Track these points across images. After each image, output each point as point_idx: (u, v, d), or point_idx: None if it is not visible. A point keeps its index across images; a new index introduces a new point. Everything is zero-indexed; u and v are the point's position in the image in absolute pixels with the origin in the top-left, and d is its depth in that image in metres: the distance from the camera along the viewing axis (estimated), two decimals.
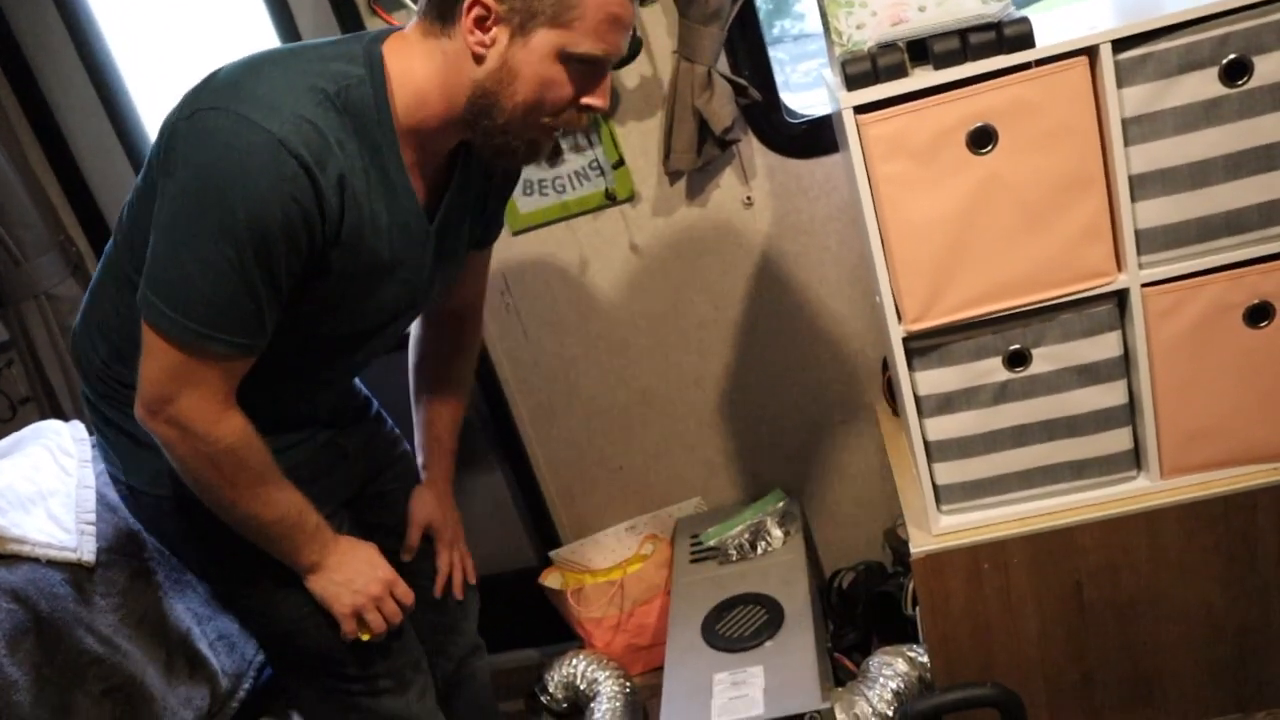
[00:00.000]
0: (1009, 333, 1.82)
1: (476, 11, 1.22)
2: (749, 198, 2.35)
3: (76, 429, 2.10)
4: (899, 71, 1.71)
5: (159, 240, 1.24)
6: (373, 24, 2.26)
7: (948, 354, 1.84)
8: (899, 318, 1.81)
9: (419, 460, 1.84)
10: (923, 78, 1.70)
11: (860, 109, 1.70)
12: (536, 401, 2.60)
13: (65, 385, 2.67)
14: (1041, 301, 1.77)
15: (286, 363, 1.42)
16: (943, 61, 1.69)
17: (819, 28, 3.77)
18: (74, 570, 1.73)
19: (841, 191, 2.33)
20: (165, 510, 1.54)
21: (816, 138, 2.29)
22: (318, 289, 1.33)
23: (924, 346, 1.84)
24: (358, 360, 1.61)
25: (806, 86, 2.27)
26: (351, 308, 1.40)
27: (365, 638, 1.57)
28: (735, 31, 2.15)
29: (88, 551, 1.76)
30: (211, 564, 1.65)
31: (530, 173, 2.34)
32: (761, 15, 2.27)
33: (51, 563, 1.70)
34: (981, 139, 1.69)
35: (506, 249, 2.44)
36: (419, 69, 1.28)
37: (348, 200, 1.25)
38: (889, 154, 1.70)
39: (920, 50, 1.77)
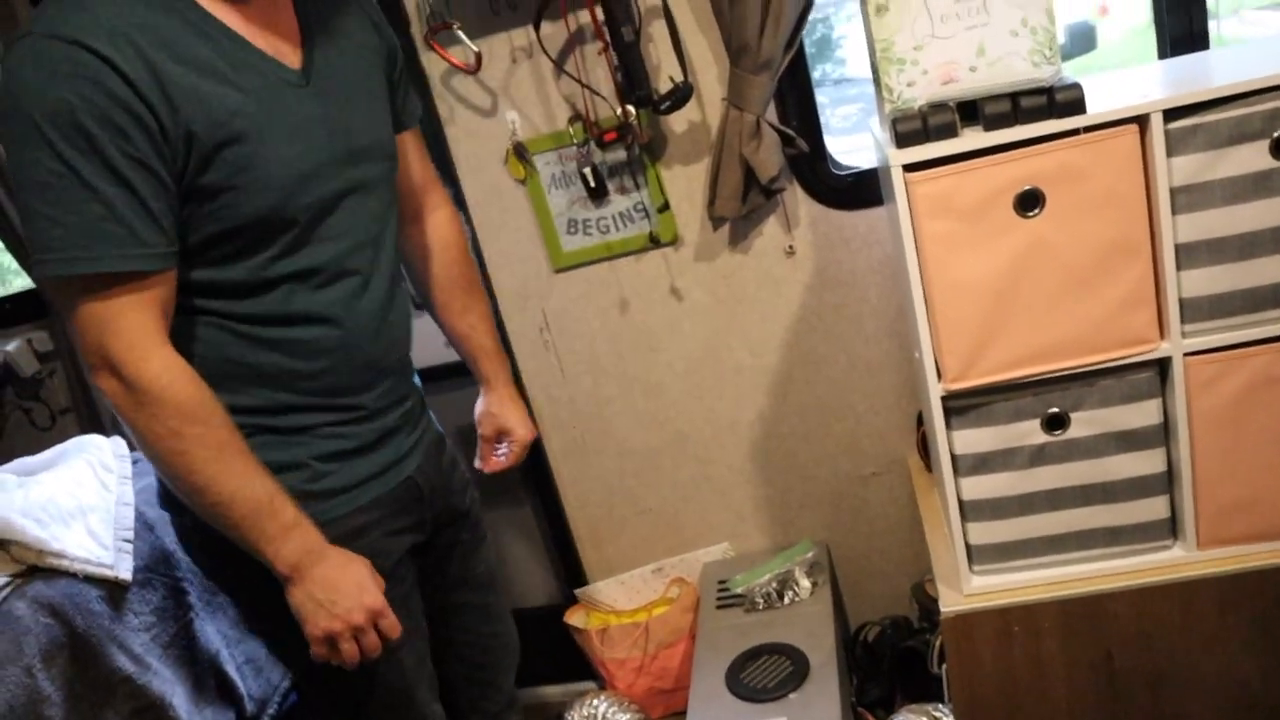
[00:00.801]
0: (1048, 396, 1.81)
1: None
2: (791, 246, 2.36)
3: (118, 445, 2.14)
4: (949, 131, 1.72)
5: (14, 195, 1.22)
6: (428, 58, 2.31)
7: (986, 414, 1.83)
8: (939, 376, 1.81)
9: (477, 373, 1.83)
10: (972, 138, 1.71)
11: (909, 167, 1.71)
12: (569, 439, 2.61)
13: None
14: (1083, 366, 1.76)
15: (275, 287, 1.35)
16: (993, 123, 1.70)
17: (860, 73, 3.79)
18: (110, 587, 1.76)
19: (884, 245, 2.34)
20: (200, 524, 1.53)
21: (861, 190, 2.30)
22: (207, 163, 1.24)
23: (962, 406, 1.83)
24: (345, 259, 1.43)
25: (846, 131, 2.28)
26: (260, 169, 1.28)
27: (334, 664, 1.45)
28: (785, 81, 2.18)
29: (124, 569, 1.78)
30: (242, 585, 1.60)
31: (576, 211, 2.37)
32: None
33: (88, 579, 1.73)
34: (1029, 202, 1.70)
35: (548, 287, 2.47)
36: None
37: (161, 66, 1.18)
38: (936, 212, 1.71)
39: (971, 110, 1.78)
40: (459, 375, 2.04)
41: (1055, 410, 1.81)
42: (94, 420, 2.83)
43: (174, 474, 1.29)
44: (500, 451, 1.86)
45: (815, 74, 2.77)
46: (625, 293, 2.45)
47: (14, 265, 3.37)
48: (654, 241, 2.36)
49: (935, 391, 1.82)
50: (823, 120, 2.31)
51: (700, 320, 2.46)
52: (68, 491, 1.91)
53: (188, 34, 1.22)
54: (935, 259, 1.73)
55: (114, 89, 1.14)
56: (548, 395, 2.59)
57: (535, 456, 2.63)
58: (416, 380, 1.69)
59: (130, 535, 1.86)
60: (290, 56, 1.34)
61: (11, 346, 2.86)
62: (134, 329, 1.22)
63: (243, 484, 1.30)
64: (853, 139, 2.31)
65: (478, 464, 1.87)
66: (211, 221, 1.27)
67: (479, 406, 1.85)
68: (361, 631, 1.39)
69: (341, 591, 1.36)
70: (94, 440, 2.12)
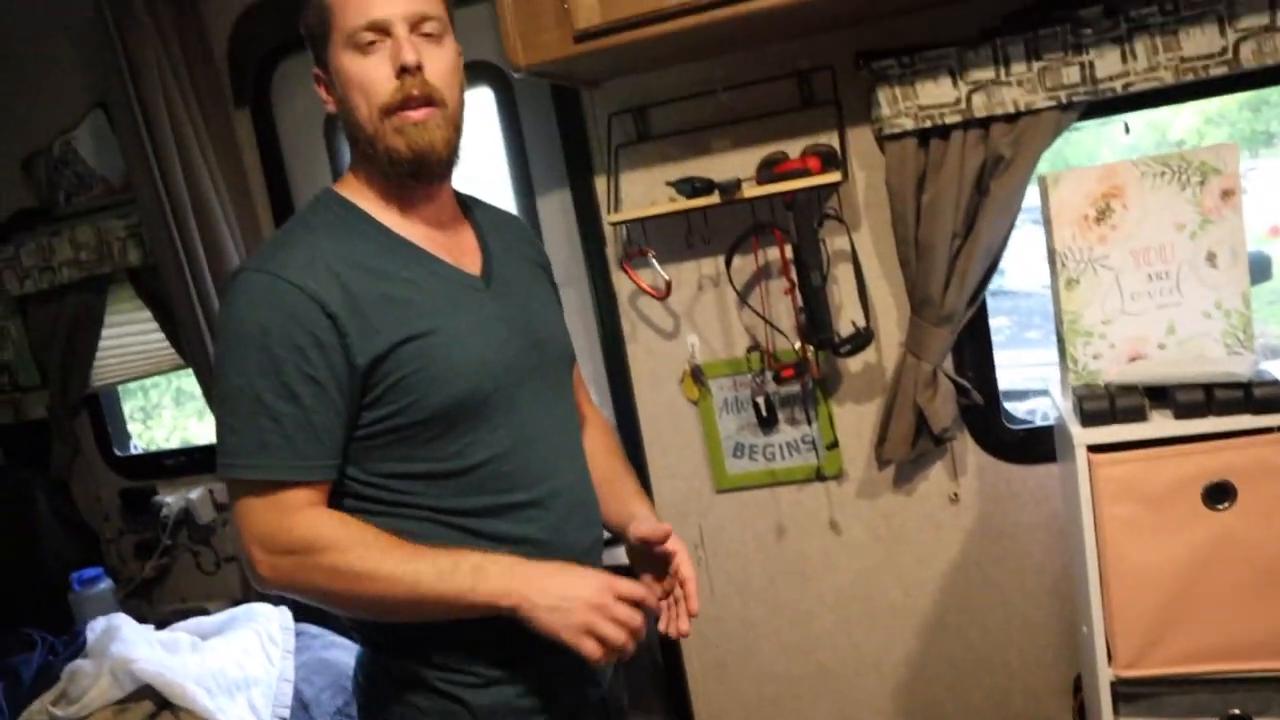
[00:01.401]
0: (1230, 695, 1.72)
1: (321, 84, 1.39)
2: (956, 494, 2.34)
3: (285, 616, 2.22)
4: (1138, 415, 1.72)
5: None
6: (618, 278, 2.44)
7: (1159, 705, 1.75)
8: (1109, 659, 1.74)
9: (624, 520, 1.60)
10: (1162, 424, 1.70)
11: (1094, 447, 1.70)
12: (711, 658, 2.59)
13: None
14: (1270, 671, 1.67)
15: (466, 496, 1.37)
16: (1185, 412, 1.69)
17: (1019, 285, 3.79)
18: None
19: (1052, 501, 2.29)
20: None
21: (1033, 445, 2.29)
22: (396, 362, 1.31)
23: (1133, 693, 1.76)
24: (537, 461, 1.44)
25: (999, 345, 2.28)
26: (445, 362, 1.33)
27: (613, 660, 1.34)
28: (964, 332, 2.21)
29: None
30: None
31: (744, 436, 2.43)
32: None
33: None
34: (1218, 494, 1.66)
35: (708, 505, 2.51)
36: (350, 173, 1.43)
37: (352, 280, 1.30)
38: (1119, 496, 1.69)
39: (1159, 392, 1.78)
40: None
41: (1237, 712, 1.72)
42: None
43: (363, 603, 1.28)
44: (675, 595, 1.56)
45: None
46: (784, 519, 2.46)
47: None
48: (819, 476, 2.38)
49: (1105, 675, 1.75)
50: None
51: (856, 555, 2.44)
52: (236, 661, 2.00)
53: (378, 251, 1.36)
54: (1115, 542, 1.70)
55: (303, 314, 1.27)
56: None
57: (675, 671, 2.61)
58: None
59: (286, 714, 1.92)
60: (471, 266, 1.46)
61: (195, 494, 3.05)
62: (288, 518, 1.28)
63: (417, 561, 1.27)
64: (1004, 353, 2.31)
65: (662, 625, 1.53)
66: (404, 414, 1.33)
67: (633, 531, 1.57)
68: (605, 609, 1.30)
69: (568, 586, 1.30)
70: (263, 610, 2.21)
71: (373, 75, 1.31)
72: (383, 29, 1.31)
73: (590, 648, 1.28)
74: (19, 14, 2.75)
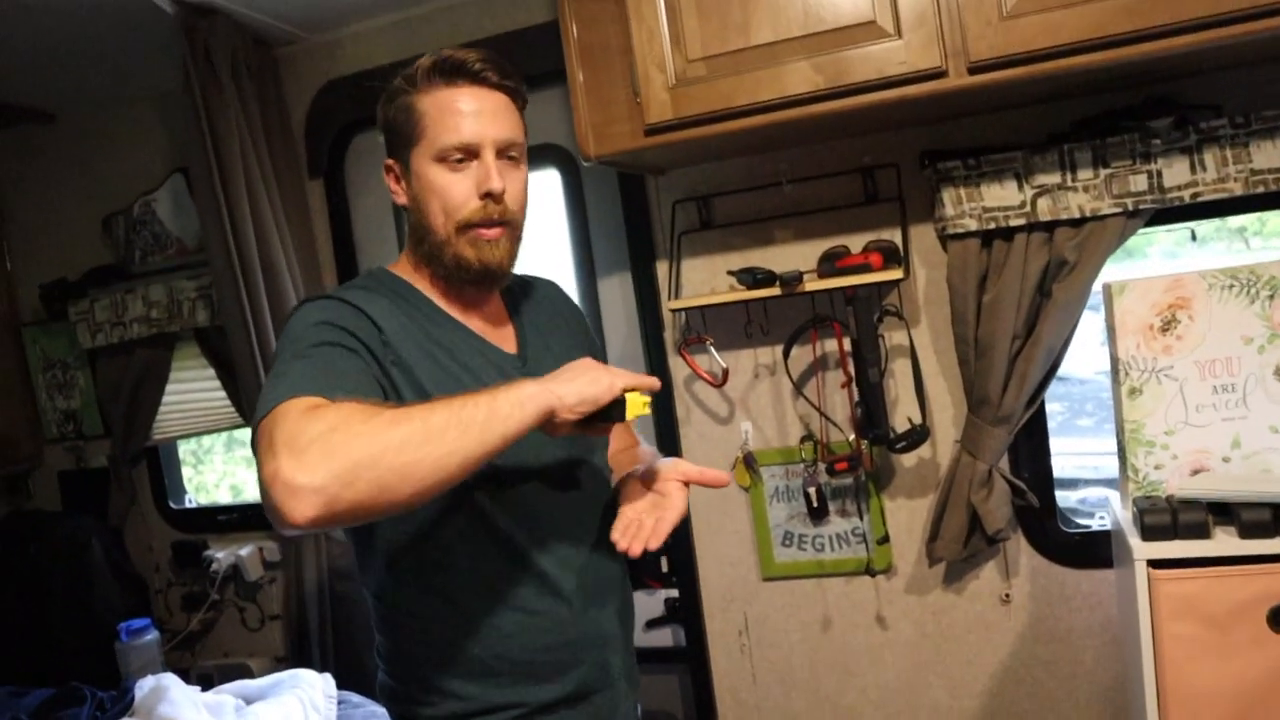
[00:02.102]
0: None
1: (390, 175, 1.44)
2: (1007, 595, 2.31)
3: (328, 684, 2.24)
4: (1201, 532, 1.69)
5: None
6: (675, 363, 2.46)
7: None
8: None
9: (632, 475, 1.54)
10: (1226, 543, 1.67)
11: (1155, 563, 1.67)
12: None
13: (318, 616, 2.82)
14: None
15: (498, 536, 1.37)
16: (1250, 532, 1.66)
17: (1074, 371, 3.73)
18: None
19: (1106, 608, 2.25)
20: None
21: (1089, 549, 2.25)
22: (432, 385, 1.32)
23: None
24: (557, 522, 1.44)
25: (1051, 432, 2.25)
26: None
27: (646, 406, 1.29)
28: (1021, 433, 2.19)
29: None
30: None
31: (794, 526, 2.42)
32: None
33: None
34: None
35: (754, 593, 2.49)
36: (404, 257, 1.48)
37: (402, 333, 1.35)
38: (1180, 614, 1.65)
39: (1222, 508, 1.75)
40: None
41: None
42: (301, 632, 2.96)
43: (401, 452, 1.09)
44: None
45: None
46: (830, 611, 2.44)
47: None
48: (868, 569, 2.36)
49: None
50: None
51: (903, 652, 2.41)
52: None
53: (425, 320, 1.42)
54: (1174, 662, 1.66)
55: (362, 326, 1.32)
56: (736, 698, 2.55)
57: None
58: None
59: None
60: (507, 344, 1.51)
61: (244, 551, 3.09)
62: (307, 417, 1.12)
63: (438, 402, 1.17)
64: (1055, 440, 2.27)
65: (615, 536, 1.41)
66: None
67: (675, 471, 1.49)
68: (615, 375, 1.28)
69: (576, 368, 1.29)
70: (307, 676, 2.23)
71: (455, 191, 1.38)
72: (473, 151, 1.37)
73: (631, 378, 1.27)
74: (109, 79, 2.86)
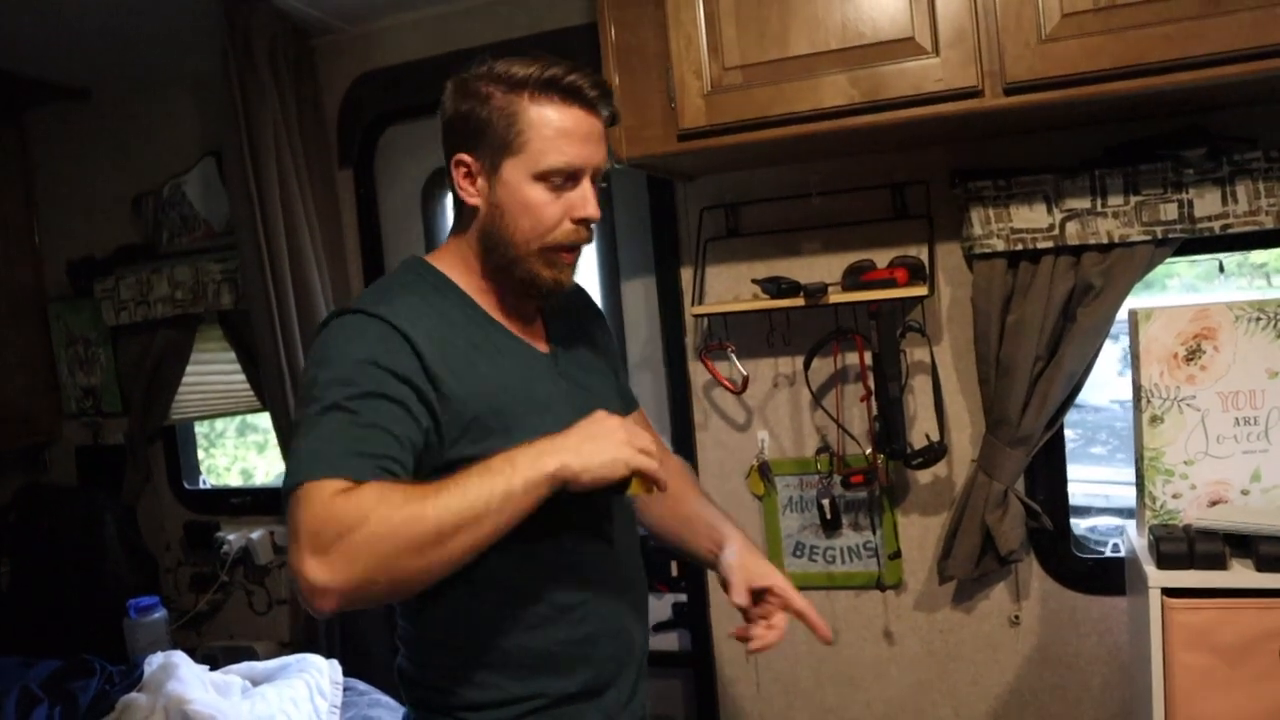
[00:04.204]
0: None
1: (461, 169, 1.38)
2: (1017, 616, 2.31)
3: (335, 670, 2.25)
4: (1217, 562, 1.69)
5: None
6: (695, 368, 2.47)
7: None
8: None
9: (710, 542, 1.58)
10: (1242, 575, 1.67)
11: (1169, 591, 1.67)
12: None
13: None
14: None
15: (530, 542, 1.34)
16: (1268, 565, 1.66)
17: (1091, 399, 3.72)
18: None
19: (1116, 635, 2.24)
20: None
21: (1101, 576, 2.24)
22: (469, 426, 1.32)
23: None
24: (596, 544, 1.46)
25: (1071, 459, 2.26)
26: (516, 434, 1.30)
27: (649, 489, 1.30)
28: (1039, 455, 2.19)
29: None
30: None
31: (806, 537, 2.42)
32: None
33: None
34: None
35: None
36: (448, 249, 1.46)
37: (440, 334, 1.34)
38: (1192, 644, 1.65)
39: (1240, 540, 1.74)
40: None
41: None
42: (309, 620, 2.97)
43: (420, 547, 1.15)
44: (772, 621, 1.52)
45: None
46: (838, 624, 2.44)
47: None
48: (878, 584, 2.36)
49: None
50: None
51: (908, 668, 2.40)
52: (284, 711, 2.02)
53: (464, 320, 1.42)
54: (1184, 691, 1.66)
55: (403, 354, 1.30)
56: (739, 706, 2.55)
57: None
58: None
59: None
60: (540, 345, 1.51)
61: (256, 535, 3.11)
62: (328, 510, 1.15)
63: (454, 486, 1.19)
64: (1071, 469, 2.28)
65: (751, 645, 1.48)
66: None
67: (726, 564, 1.53)
68: (631, 430, 1.29)
69: (589, 427, 1.28)
70: (315, 661, 2.24)
71: (549, 212, 1.36)
72: (575, 177, 1.36)
73: (641, 460, 1.25)
74: (147, 60, 2.89)
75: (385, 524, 1.13)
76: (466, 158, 1.38)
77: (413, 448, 1.27)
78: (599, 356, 1.63)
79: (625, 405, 1.68)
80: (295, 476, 1.17)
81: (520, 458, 1.21)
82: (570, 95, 1.35)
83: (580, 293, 1.69)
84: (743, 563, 1.50)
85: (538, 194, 1.36)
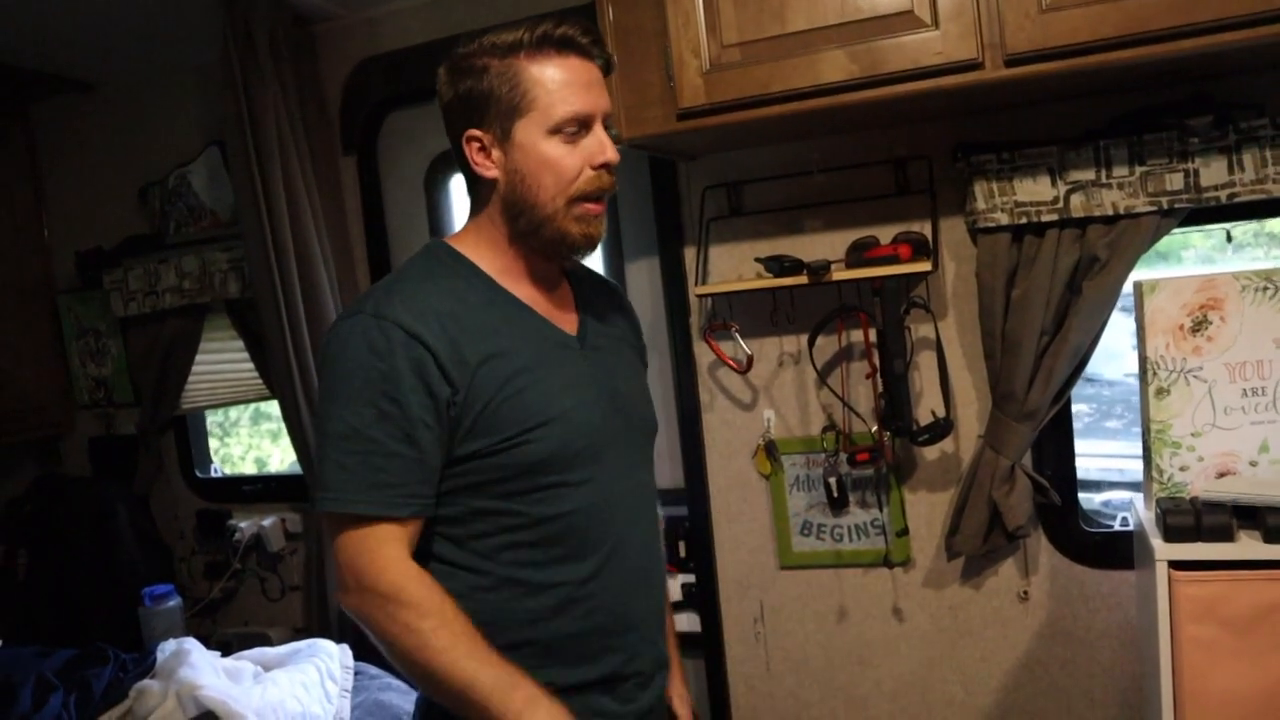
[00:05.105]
0: None
1: (473, 145, 1.38)
2: (1025, 592, 2.30)
3: (346, 655, 2.26)
4: (1224, 534, 1.68)
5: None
6: (700, 349, 2.47)
7: None
8: None
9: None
10: (1249, 547, 1.66)
11: (1176, 564, 1.66)
12: None
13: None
14: None
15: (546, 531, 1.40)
16: (1275, 537, 1.65)
17: (1101, 371, 3.71)
18: None
19: (1125, 609, 2.24)
20: None
21: (1110, 550, 2.24)
22: (494, 412, 1.35)
23: None
24: (614, 523, 1.47)
25: (1078, 433, 2.23)
26: (539, 407, 1.37)
27: None
28: (1046, 430, 2.18)
29: None
30: None
31: (813, 515, 2.42)
32: None
33: None
34: None
35: (770, 581, 2.49)
36: (469, 230, 1.47)
37: (457, 329, 1.34)
38: (1199, 616, 1.65)
39: (1247, 511, 1.73)
40: None
41: None
42: (320, 603, 2.99)
43: (418, 669, 1.32)
44: None
45: None
46: (846, 602, 2.44)
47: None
48: (886, 561, 2.36)
49: None
50: None
51: (918, 645, 2.40)
52: (295, 696, 2.03)
53: (484, 304, 1.41)
54: (1192, 664, 1.65)
55: (418, 360, 1.31)
56: (748, 685, 2.56)
57: None
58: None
59: None
60: (569, 326, 1.50)
61: (267, 522, 3.12)
62: (382, 556, 1.32)
63: (480, 666, 1.30)
64: (1082, 442, 2.26)
65: None
66: (498, 456, 1.36)
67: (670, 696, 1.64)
68: None
69: None
70: (326, 646, 2.25)
71: (569, 163, 1.36)
72: (587, 123, 1.37)
73: None
74: (147, 52, 2.89)
75: (410, 623, 1.29)
76: (477, 132, 1.38)
77: (435, 459, 1.34)
78: (630, 351, 1.63)
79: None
80: (325, 503, 1.32)
81: (539, 713, 1.29)
82: (565, 46, 1.36)
83: (623, 298, 1.70)
84: (680, 704, 1.64)
85: (554, 148, 1.36)
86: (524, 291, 1.45)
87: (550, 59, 1.35)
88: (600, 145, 1.37)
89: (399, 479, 1.32)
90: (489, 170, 1.39)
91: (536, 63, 1.35)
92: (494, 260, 1.44)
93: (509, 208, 1.40)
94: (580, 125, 1.36)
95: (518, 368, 1.38)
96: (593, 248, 1.43)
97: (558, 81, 1.35)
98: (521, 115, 1.36)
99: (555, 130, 1.35)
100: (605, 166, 1.38)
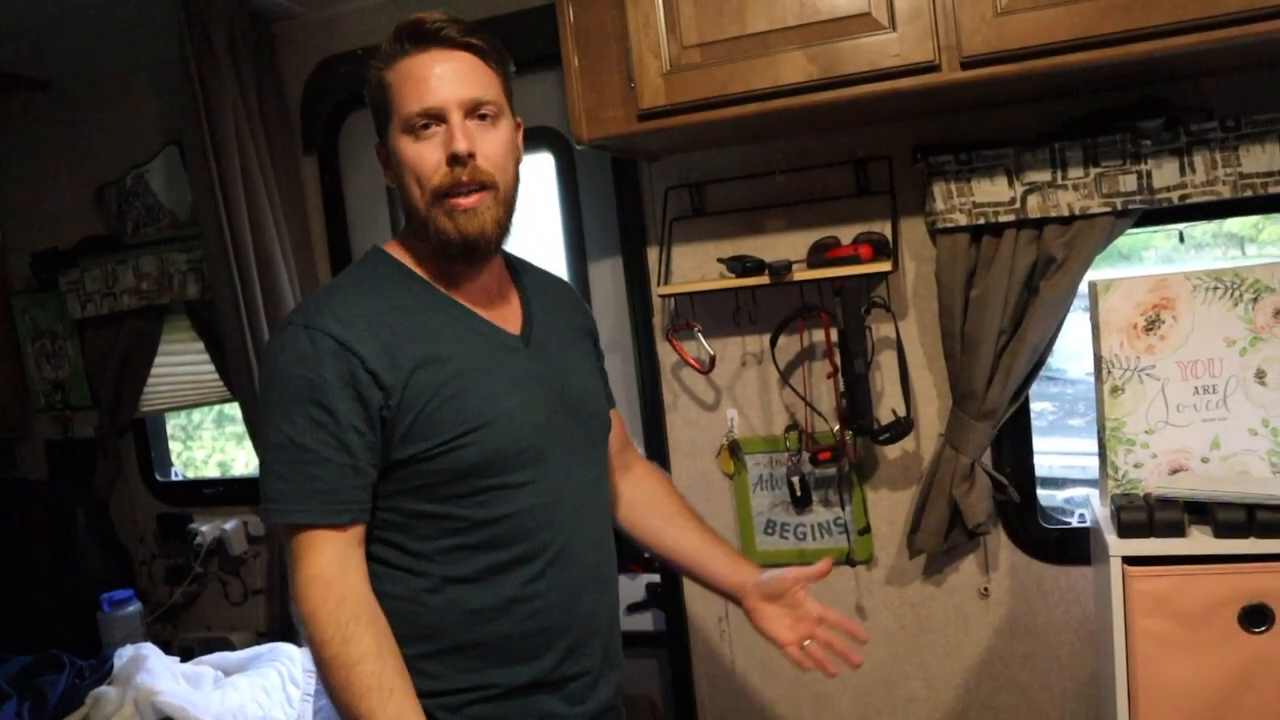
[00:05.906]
0: None
1: (380, 156, 1.42)
2: (986, 588, 2.33)
3: (308, 659, 2.24)
4: (1176, 530, 1.70)
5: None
6: (663, 349, 2.47)
7: None
8: None
9: (716, 570, 1.71)
10: (1201, 542, 1.69)
11: (1130, 559, 1.69)
12: None
13: None
14: None
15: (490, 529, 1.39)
16: (1225, 532, 1.68)
17: (1064, 367, 3.76)
18: None
19: (1083, 603, 2.27)
20: None
21: (1068, 546, 2.26)
22: (433, 414, 1.34)
23: None
24: (562, 513, 1.46)
25: (1041, 431, 2.25)
26: (478, 410, 1.37)
27: None
28: (1005, 428, 2.20)
29: None
30: None
31: (777, 514, 2.43)
32: None
33: None
34: (1255, 618, 1.64)
35: None
36: (403, 235, 1.46)
37: (392, 337, 1.34)
38: (1152, 611, 1.67)
39: (1200, 508, 1.76)
40: None
41: None
42: (282, 607, 2.97)
43: (332, 682, 1.29)
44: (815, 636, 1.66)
45: None
46: None
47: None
48: (849, 559, 2.37)
49: None
50: None
51: (880, 642, 2.42)
52: (256, 701, 2.02)
53: (421, 309, 1.40)
54: (1146, 658, 1.68)
55: (348, 367, 1.32)
56: (714, 683, 2.57)
57: None
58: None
59: None
60: (512, 325, 1.49)
61: (229, 526, 3.09)
62: (327, 563, 1.32)
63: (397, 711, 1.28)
64: (1045, 439, 2.29)
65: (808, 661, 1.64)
66: (438, 460, 1.35)
67: (756, 583, 1.68)
68: None
69: None
70: (288, 650, 2.24)
71: (425, 160, 1.34)
72: (438, 116, 1.33)
73: None
74: (103, 50, 2.86)
75: (338, 654, 1.27)
76: (379, 144, 1.41)
77: (370, 465, 1.34)
78: (580, 344, 1.63)
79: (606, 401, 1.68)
80: (267, 513, 1.34)
81: None
82: (419, 39, 1.35)
83: (574, 295, 1.69)
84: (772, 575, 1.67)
85: (408, 146, 1.35)
86: (463, 294, 1.44)
87: (408, 56, 1.35)
88: (449, 136, 1.33)
89: (333, 486, 1.32)
90: (388, 178, 1.41)
91: (395, 64, 1.36)
92: (429, 264, 1.43)
93: (405, 214, 1.42)
94: (431, 119, 1.34)
95: (455, 371, 1.37)
96: (477, 242, 1.38)
97: (404, 78, 1.34)
98: (389, 120, 1.37)
99: (407, 129, 1.35)
100: (456, 158, 1.33)
